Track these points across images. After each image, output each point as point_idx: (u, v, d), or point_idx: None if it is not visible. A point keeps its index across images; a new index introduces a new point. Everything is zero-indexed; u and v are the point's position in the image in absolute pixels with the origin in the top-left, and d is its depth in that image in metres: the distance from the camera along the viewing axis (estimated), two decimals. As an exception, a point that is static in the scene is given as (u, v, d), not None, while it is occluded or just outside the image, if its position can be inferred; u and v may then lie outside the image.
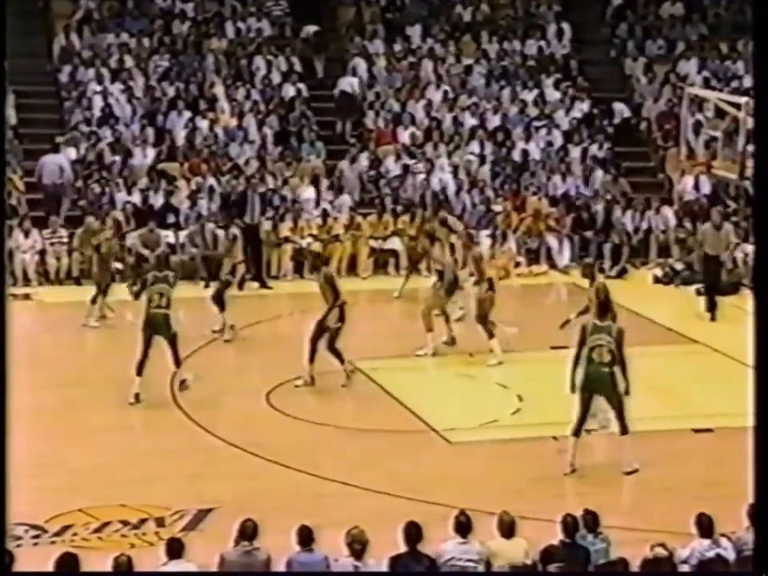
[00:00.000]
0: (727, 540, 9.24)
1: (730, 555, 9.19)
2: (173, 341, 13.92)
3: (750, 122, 17.76)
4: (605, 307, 12.41)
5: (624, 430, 12.26)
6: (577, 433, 12.27)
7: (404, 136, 23.12)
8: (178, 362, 13.99)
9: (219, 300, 16.80)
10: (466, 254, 16.47)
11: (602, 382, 12.15)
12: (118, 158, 21.59)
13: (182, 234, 20.52)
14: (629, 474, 12.28)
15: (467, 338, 16.06)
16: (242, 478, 12.06)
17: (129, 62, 23.62)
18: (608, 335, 12.11)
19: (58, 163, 21.23)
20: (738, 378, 14.26)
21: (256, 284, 19.88)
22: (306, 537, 8.87)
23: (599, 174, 22.71)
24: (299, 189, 21.51)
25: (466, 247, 16.49)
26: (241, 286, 19.46)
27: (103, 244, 18.01)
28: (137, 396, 13.97)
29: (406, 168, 22.38)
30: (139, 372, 13.92)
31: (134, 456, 12.76)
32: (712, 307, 18.12)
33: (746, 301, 19.43)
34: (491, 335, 15.44)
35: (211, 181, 21.47)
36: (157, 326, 13.89)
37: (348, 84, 23.80)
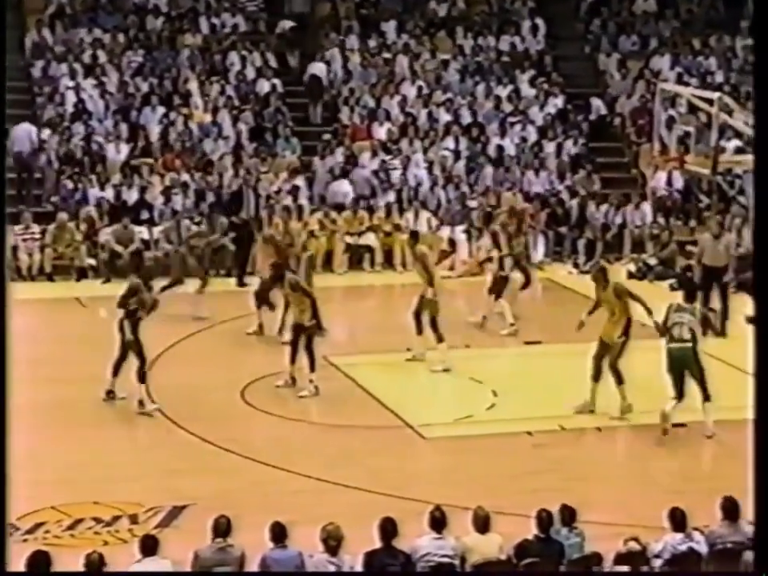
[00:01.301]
0: (700, 534, 9.25)
1: (703, 549, 9.20)
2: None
3: (722, 118, 17.82)
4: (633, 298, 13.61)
5: (706, 398, 13.08)
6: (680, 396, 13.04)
7: (379, 132, 23.08)
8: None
9: (264, 299, 16.65)
10: (412, 253, 16.30)
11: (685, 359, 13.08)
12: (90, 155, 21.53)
13: (157, 230, 20.41)
14: (709, 437, 13.01)
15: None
16: (216, 474, 12.02)
17: (102, 57, 23.47)
18: (690, 315, 13.14)
19: (27, 132, 21.16)
20: (712, 373, 14.34)
21: (234, 280, 19.79)
22: (279, 533, 8.84)
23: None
24: (274, 184, 21.43)
25: (411, 246, 16.34)
26: (240, 282, 19.68)
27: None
28: (109, 393, 13.92)
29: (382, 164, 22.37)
30: (115, 373, 13.88)
31: (107, 453, 12.69)
32: (724, 323, 17.17)
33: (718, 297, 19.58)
34: (441, 339, 15.30)
35: (185, 177, 21.40)
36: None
37: (318, 69, 23.90)
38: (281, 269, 16.04)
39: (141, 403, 13.64)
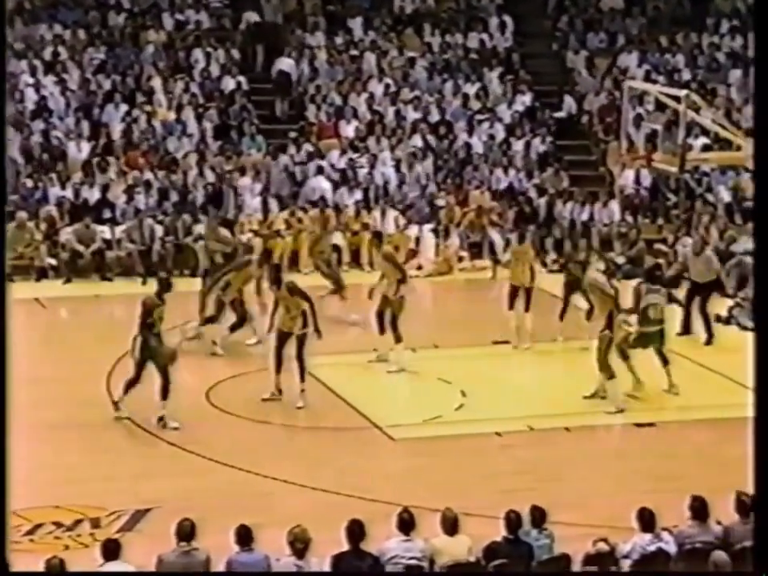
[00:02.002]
0: (669, 534, 9.24)
1: (672, 549, 9.17)
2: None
3: (689, 115, 17.78)
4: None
5: (666, 362, 14.22)
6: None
7: (346, 130, 22.93)
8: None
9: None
10: (380, 254, 16.14)
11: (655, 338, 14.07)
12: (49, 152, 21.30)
13: (119, 230, 20.22)
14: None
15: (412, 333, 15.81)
16: (181, 477, 11.92)
17: (63, 54, 23.23)
18: (660, 295, 14.16)
19: None
20: (680, 372, 14.36)
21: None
22: (245, 536, 8.74)
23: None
24: (239, 183, 21.25)
25: (376, 246, 16.21)
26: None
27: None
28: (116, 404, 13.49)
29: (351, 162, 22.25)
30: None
31: (69, 456, 12.51)
32: (709, 335, 16.83)
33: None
34: (399, 339, 15.16)
35: (149, 175, 21.19)
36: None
37: (286, 64, 23.77)
38: (278, 270, 15.53)
39: (161, 419, 13.18)
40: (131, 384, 13.23)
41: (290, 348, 13.94)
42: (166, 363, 13.15)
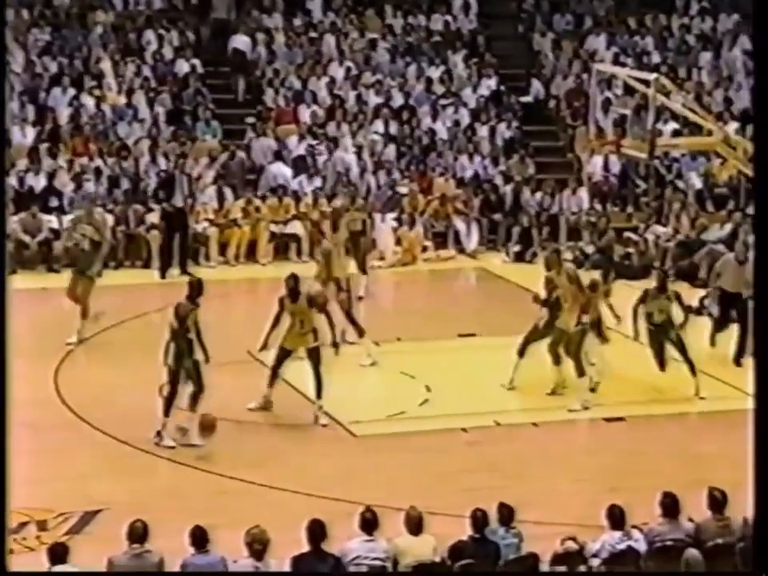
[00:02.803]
0: (639, 532, 9.19)
1: (641, 547, 9.12)
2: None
3: (659, 99, 17.55)
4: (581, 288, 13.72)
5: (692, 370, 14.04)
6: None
7: (305, 115, 22.52)
8: None
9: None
10: (316, 249, 15.63)
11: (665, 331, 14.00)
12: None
13: (66, 219, 19.51)
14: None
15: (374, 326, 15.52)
16: (133, 476, 11.67)
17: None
18: (666, 300, 14.05)
19: None
20: (651, 366, 14.20)
21: (177, 271, 19.04)
22: (200, 538, 8.60)
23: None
24: (194, 170, 20.74)
25: (317, 242, 15.70)
26: (163, 274, 18.99)
27: None
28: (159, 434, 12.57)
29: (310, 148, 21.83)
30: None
31: (14, 455, 11.88)
32: (741, 352, 15.25)
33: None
34: (362, 333, 14.86)
35: (98, 162, 20.65)
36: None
37: (241, 42, 23.41)
38: (297, 280, 13.45)
39: (183, 430, 12.43)
40: (170, 400, 12.44)
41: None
42: (200, 371, 12.39)
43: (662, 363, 14.07)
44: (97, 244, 15.77)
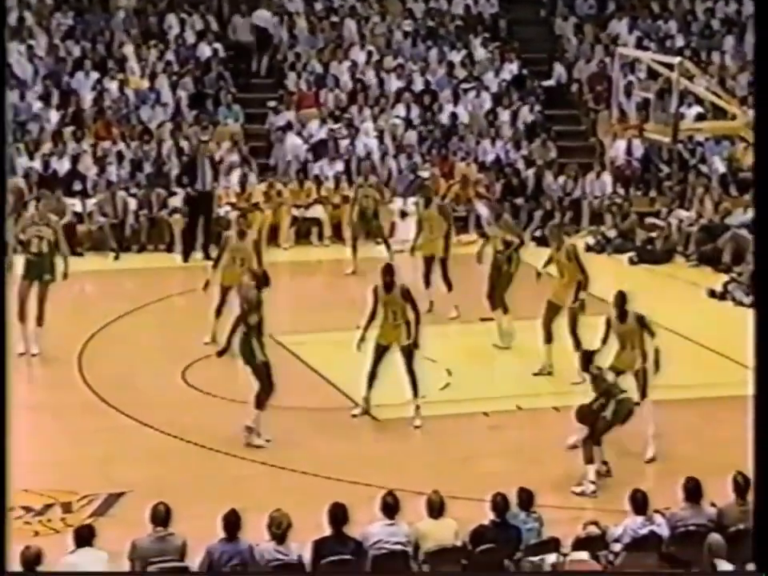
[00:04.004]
0: (661, 516, 9.22)
1: (664, 532, 9.14)
2: None
3: (682, 83, 17.43)
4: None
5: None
6: None
7: (327, 99, 22.50)
8: None
9: None
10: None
11: None
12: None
13: (90, 203, 19.74)
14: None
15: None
16: (155, 459, 11.67)
17: (29, 19, 22.71)
18: None
19: None
20: (673, 350, 14.10)
21: (200, 254, 19.08)
22: (233, 524, 8.57)
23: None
24: (216, 154, 20.76)
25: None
26: (186, 258, 19.01)
27: None
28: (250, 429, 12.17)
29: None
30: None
31: (39, 438, 12.21)
32: None
33: (679, 269, 19.31)
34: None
35: (120, 146, 20.72)
36: None
37: (262, 19, 23.38)
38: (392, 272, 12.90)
39: (249, 430, 12.08)
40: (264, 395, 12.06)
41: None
42: (269, 370, 11.97)
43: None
44: (54, 245, 14.39)
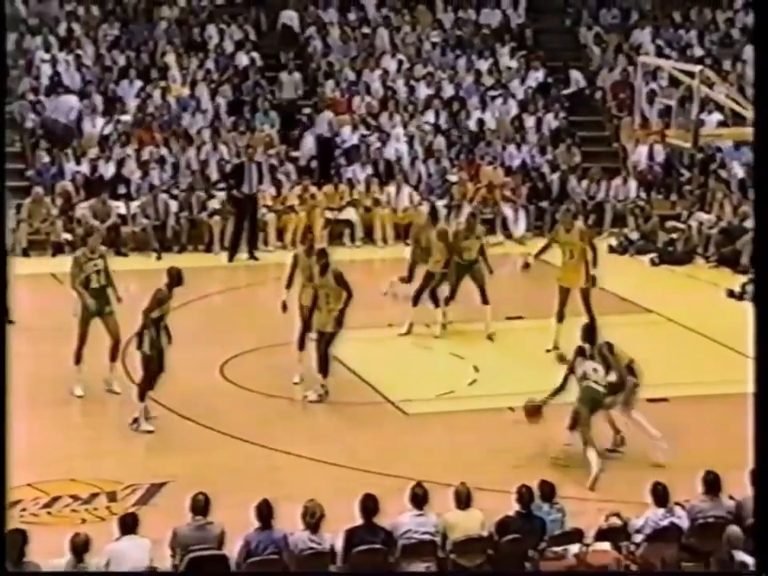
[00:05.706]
0: (681, 508, 9.29)
1: (684, 523, 9.23)
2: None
3: (703, 91, 17.72)
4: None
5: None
6: None
7: (359, 106, 22.89)
8: None
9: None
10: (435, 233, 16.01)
11: None
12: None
13: (134, 205, 20.23)
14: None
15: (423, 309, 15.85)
16: (195, 451, 11.89)
17: (77, 30, 23.24)
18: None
19: (69, 104, 21.23)
20: (693, 347, 14.37)
21: (245, 255, 19.59)
22: (266, 514, 8.74)
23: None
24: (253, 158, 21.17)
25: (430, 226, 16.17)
26: (231, 258, 19.43)
27: None
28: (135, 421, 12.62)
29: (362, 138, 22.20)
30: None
31: (84, 430, 12.57)
32: None
33: (699, 270, 19.57)
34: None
35: (163, 151, 21.19)
36: None
37: (288, 17, 24.01)
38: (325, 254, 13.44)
39: (135, 421, 12.46)
40: (146, 385, 12.50)
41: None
42: (161, 363, 12.39)
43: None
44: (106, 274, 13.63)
